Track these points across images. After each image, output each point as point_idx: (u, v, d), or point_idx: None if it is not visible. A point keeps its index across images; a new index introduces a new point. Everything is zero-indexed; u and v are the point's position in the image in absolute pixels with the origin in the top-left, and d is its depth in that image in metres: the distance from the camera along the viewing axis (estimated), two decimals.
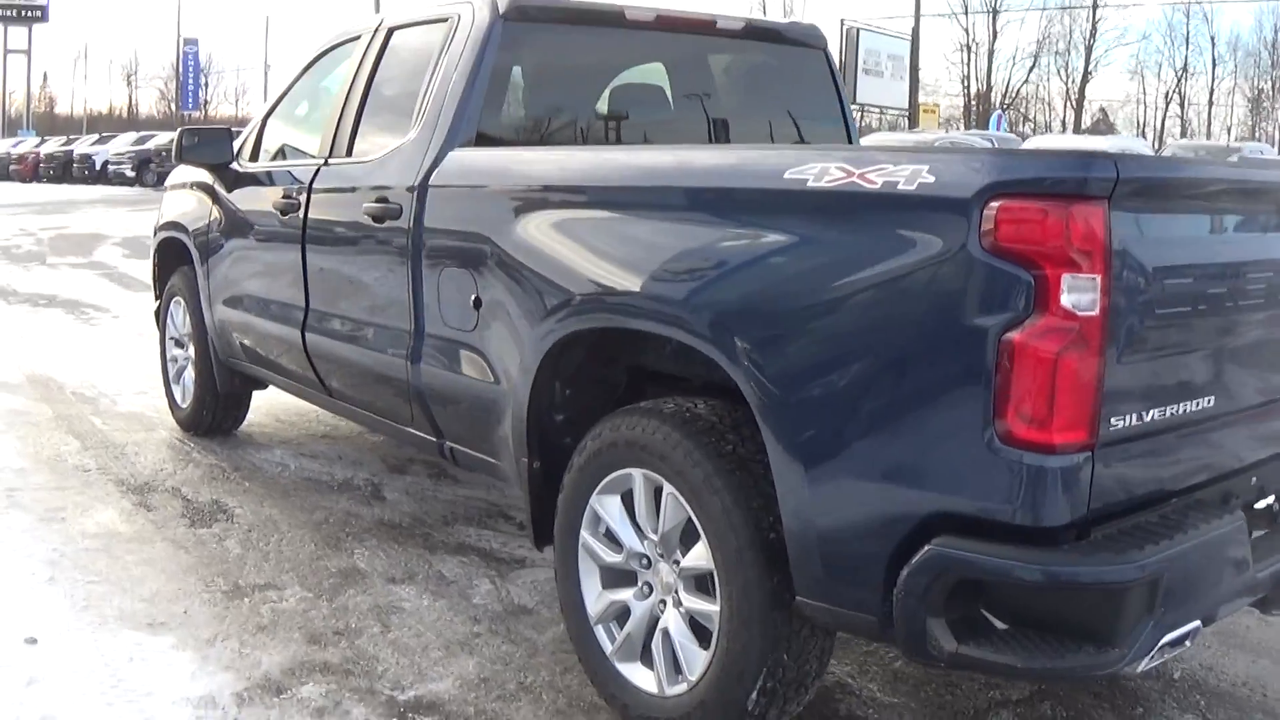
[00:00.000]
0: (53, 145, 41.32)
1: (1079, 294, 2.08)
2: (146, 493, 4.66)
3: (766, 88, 4.51)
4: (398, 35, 4.17)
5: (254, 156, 4.89)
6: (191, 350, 5.43)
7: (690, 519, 2.68)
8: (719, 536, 2.58)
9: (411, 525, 4.40)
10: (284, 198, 4.35)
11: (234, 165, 4.89)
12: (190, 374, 5.49)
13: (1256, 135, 49.77)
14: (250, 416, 5.68)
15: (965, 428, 2.16)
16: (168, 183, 5.81)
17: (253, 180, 4.79)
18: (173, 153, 4.91)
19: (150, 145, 35.33)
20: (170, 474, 4.94)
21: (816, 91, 4.51)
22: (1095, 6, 51.93)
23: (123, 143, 37.58)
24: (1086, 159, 2.11)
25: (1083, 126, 53.48)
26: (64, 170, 37.56)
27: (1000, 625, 2.27)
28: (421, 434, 3.78)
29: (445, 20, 3.84)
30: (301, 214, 4.23)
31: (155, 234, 5.78)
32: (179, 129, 4.92)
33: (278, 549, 4.09)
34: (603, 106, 4.05)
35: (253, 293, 4.70)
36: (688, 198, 2.77)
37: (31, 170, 38.77)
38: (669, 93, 4.24)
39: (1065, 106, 55.88)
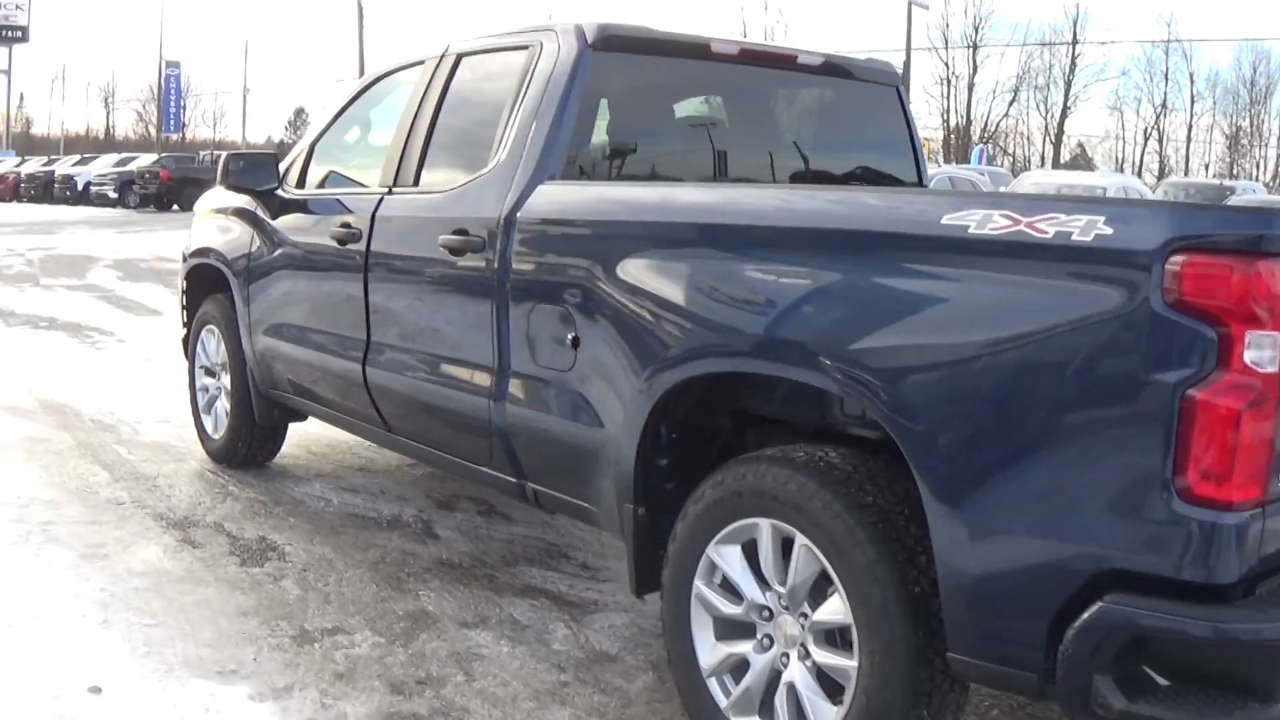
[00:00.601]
0: (33, 165, 40.93)
1: (1260, 350, 2.04)
2: (188, 528, 4.46)
3: (842, 123, 4.42)
4: (467, 63, 4.02)
5: (300, 183, 4.72)
6: (225, 380, 5.24)
7: (824, 571, 2.56)
8: (861, 590, 2.47)
9: (472, 565, 4.22)
10: (342, 227, 4.19)
11: (279, 191, 4.72)
12: (223, 404, 5.30)
13: (1235, 173, 50.28)
14: (282, 448, 5.48)
15: (1140, 484, 2.10)
16: (198, 208, 5.63)
17: (301, 208, 4.63)
18: (218, 177, 4.73)
19: (132, 167, 35.05)
20: (209, 508, 4.74)
21: (889, 128, 4.42)
22: (1075, 42, 52.52)
23: (104, 164, 37.27)
24: (1267, 215, 2.07)
25: (1061, 161, 53.93)
26: (45, 190, 37.16)
27: (1162, 681, 2.20)
28: (500, 474, 3.61)
29: (525, 49, 3.71)
30: (363, 245, 4.07)
31: (185, 260, 5.59)
32: (225, 153, 4.76)
33: (338, 590, 3.90)
34: (688, 140, 3.93)
35: (301, 323, 4.53)
36: (830, 241, 2.63)
37: (12, 190, 38.33)
38: (751, 127, 4.13)
39: (1044, 141, 56.37)
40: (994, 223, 2.26)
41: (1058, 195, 3.65)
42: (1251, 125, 54.03)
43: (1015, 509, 2.25)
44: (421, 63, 4.23)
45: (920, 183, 4.42)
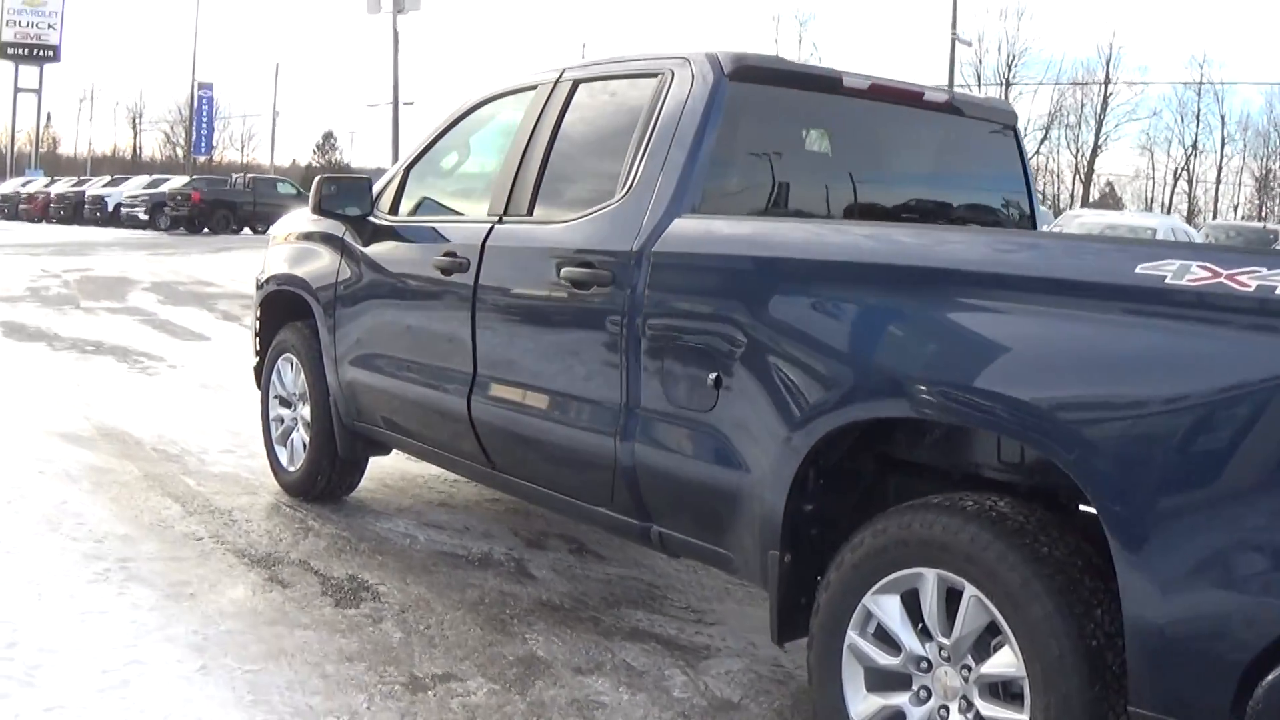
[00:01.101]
0: (63, 185, 41.09)
1: None
2: (273, 566, 4.28)
3: (962, 161, 4.27)
4: (585, 89, 3.88)
5: (394, 209, 4.56)
6: (304, 411, 5.07)
7: (992, 623, 2.46)
8: (1036, 643, 2.37)
9: (574, 607, 4.02)
10: (446, 256, 4.02)
11: (371, 218, 4.57)
12: (300, 436, 5.13)
13: (1264, 215, 50.00)
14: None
15: None
16: (275, 233, 5.48)
17: (397, 235, 4.47)
18: (311, 203, 4.56)
19: (164, 189, 35.15)
20: (291, 545, 4.55)
21: (1005, 167, 4.28)
22: (1107, 82, 52.45)
23: (135, 185, 37.38)
24: None
25: (1090, 200, 53.74)
26: (75, 211, 37.31)
27: None
28: (621, 516, 3.42)
29: (654, 76, 3.57)
30: (471, 275, 3.90)
31: (261, 287, 5.42)
32: (317, 178, 4.58)
33: (441, 633, 3.70)
34: (816, 174, 3.78)
35: (396, 354, 4.36)
36: (1016, 286, 2.50)
37: (41, 210, 38.52)
38: (876, 163, 3.97)
39: (1074, 179, 56.22)
40: (1192, 274, 2.19)
41: (1254, 249, 3.48)
42: None
43: (1209, 560, 2.17)
44: (532, 88, 4.08)
45: (1033, 224, 4.28)
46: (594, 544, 4.76)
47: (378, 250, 4.50)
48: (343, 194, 4.51)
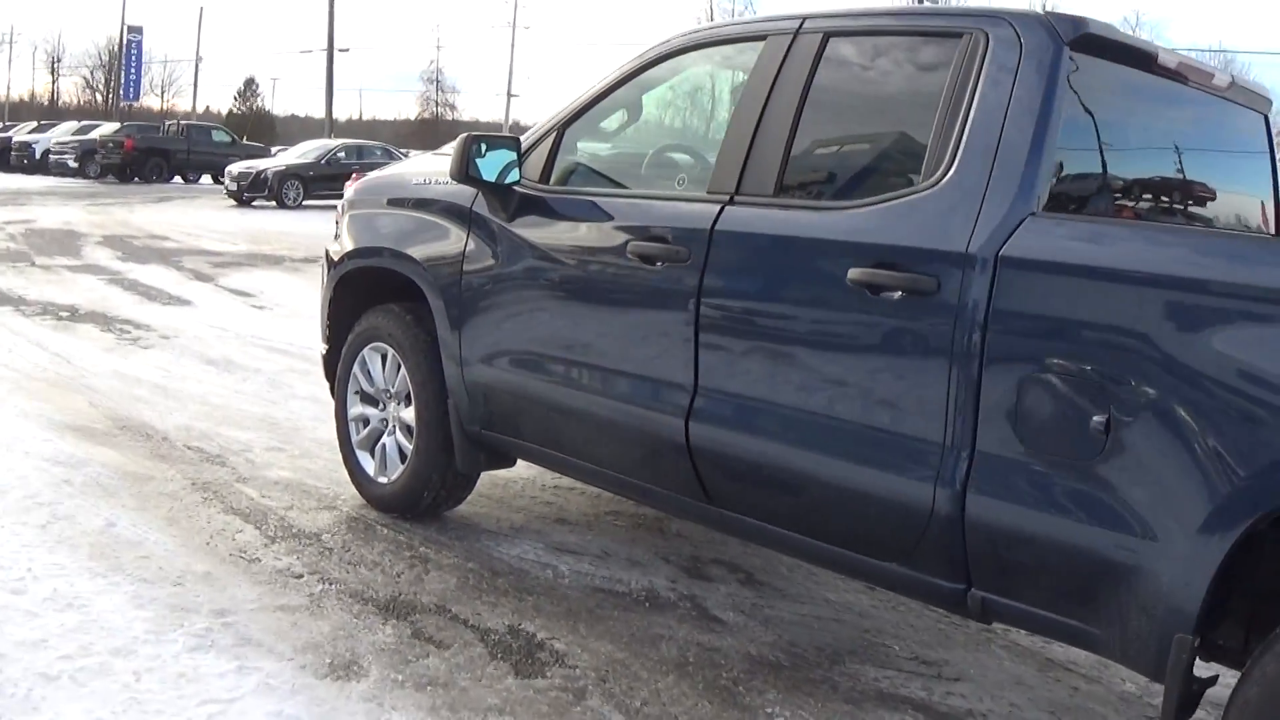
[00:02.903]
0: None
1: None
2: (409, 615, 3.46)
3: (1223, 147, 3.58)
4: (842, 46, 3.10)
5: (544, 178, 3.72)
6: (403, 413, 4.23)
7: None
8: None
9: (794, 664, 3.30)
10: (651, 241, 3.23)
11: (518, 187, 3.72)
12: (395, 441, 4.30)
13: None
14: None
15: None
16: (355, 197, 4.58)
17: (559, 210, 3.63)
18: (453, 166, 3.68)
19: (94, 135, 33.31)
20: (415, 583, 3.74)
21: (1258, 160, 3.60)
22: None
23: (63, 131, 35.42)
24: None
25: None
26: (1, 158, 35.27)
27: None
28: (924, 576, 2.68)
29: (955, 36, 2.82)
30: (693, 267, 3.11)
31: (336, 263, 4.53)
32: (464, 135, 3.69)
33: (666, 710, 2.95)
34: (1141, 167, 3.08)
35: (560, 355, 3.55)
36: None
37: None
38: (1184, 151, 3.26)
39: None
40: None
41: None
42: None
43: None
44: (757, 38, 3.27)
45: None
46: (759, 571, 4.05)
47: (531, 227, 3.67)
48: (493, 157, 3.65)
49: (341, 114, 46.10)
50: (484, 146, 3.61)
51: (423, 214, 4.08)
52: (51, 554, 3.75)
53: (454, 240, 3.91)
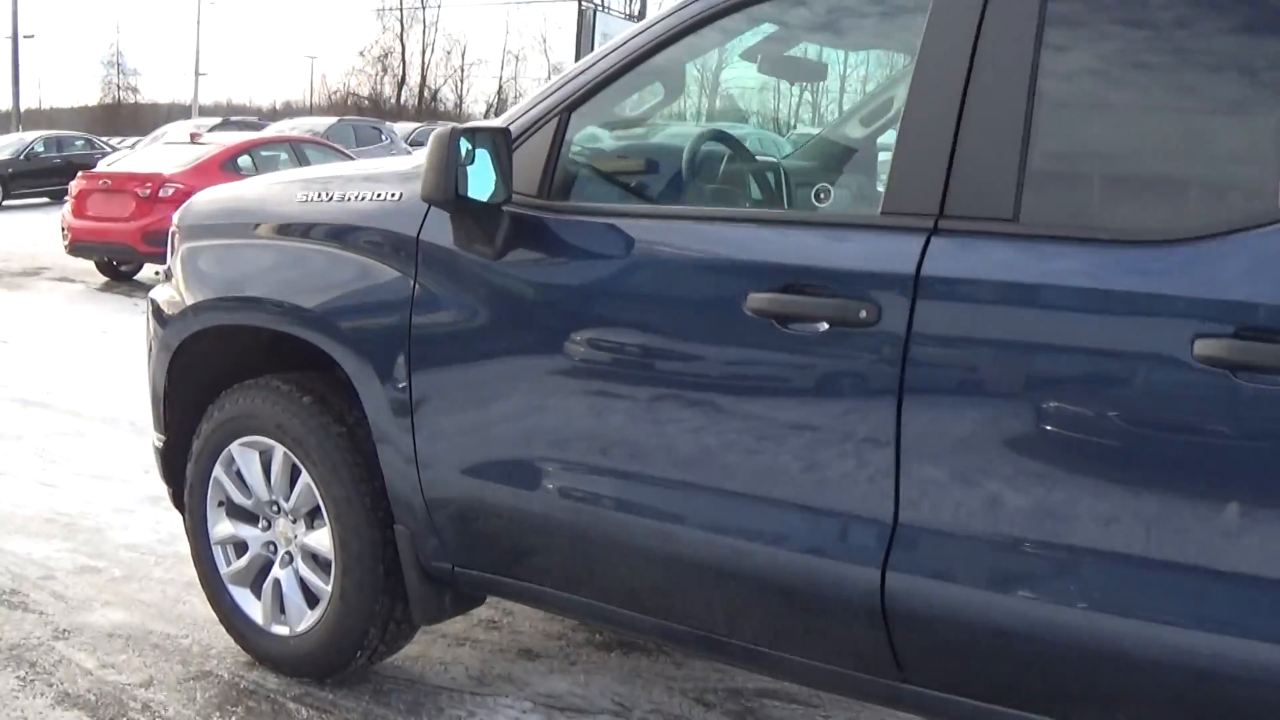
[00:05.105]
0: None
1: None
2: None
3: None
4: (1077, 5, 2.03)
5: (545, 190, 2.50)
6: (307, 537, 2.95)
7: None
8: None
9: None
10: (802, 292, 2.12)
11: (509, 206, 2.48)
12: (295, 576, 3.01)
13: None
14: None
15: None
16: (197, 219, 3.19)
17: (592, 240, 2.44)
18: (428, 183, 2.36)
19: None
20: None
21: None
22: None
23: None
24: None
25: None
26: None
27: None
28: None
29: None
30: (893, 335, 2.03)
31: (174, 318, 3.15)
32: (448, 129, 2.36)
33: None
34: None
35: (631, 468, 2.37)
36: None
37: None
38: None
39: None
40: None
41: None
42: None
43: None
44: None
45: None
46: (829, 704, 3.03)
47: (543, 265, 2.48)
48: (481, 161, 2.37)
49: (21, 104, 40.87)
50: (471, 141, 2.35)
51: (330, 246, 2.79)
52: None
53: (390, 284, 2.66)
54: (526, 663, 3.25)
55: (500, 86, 58.57)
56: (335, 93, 59.43)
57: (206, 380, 3.18)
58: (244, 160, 11.48)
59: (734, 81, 2.78)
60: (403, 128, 27.72)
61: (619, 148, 2.77)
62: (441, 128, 2.37)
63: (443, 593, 2.79)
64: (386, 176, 2.78)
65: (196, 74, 44.17)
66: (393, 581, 2.81)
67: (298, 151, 12.16)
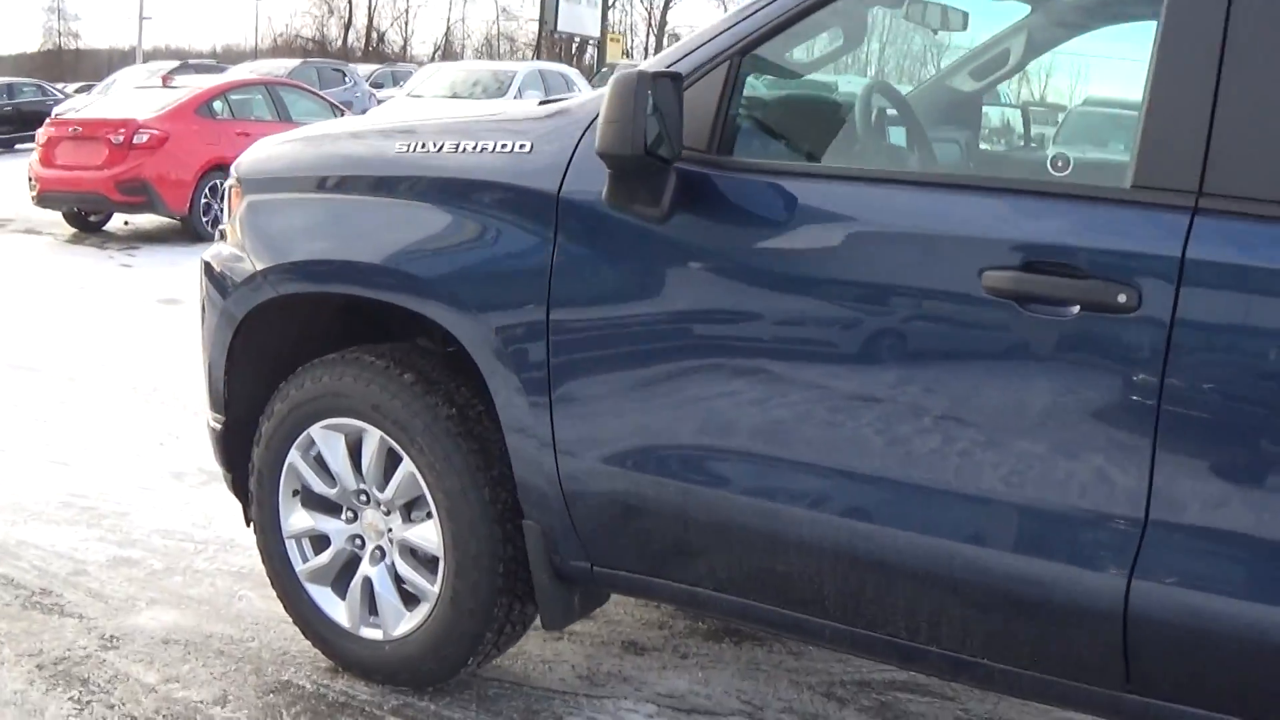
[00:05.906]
0: None
1: None
2: None
3: None
4: None
5: (718, 146, 2.15)
6: (406, 532, 2.62)
7: None
8: None
9: None
10: (1047, 271, 1.84)
11: (680, 163, 2.12)
12: (389, 573, 2.68)
13: None
14: None
15: None
16: (266, 171, 2.81)
17: (781, 203, 2.11)
18: (606, 135, 1.99)
19: None
20: None
21: None
22: None
23: None
24: None
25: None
26: None
27: None
28: None
29: None
30: (1156, 322, 1.78)
31: (240, 284, 2.77)
32: (631, 72, 1.97)
33: None
34: None
35: (798, 459, 2.08)
36: None
37: None
38: None
39: (648, 33, 55.13)
40: None
41: None
42: None
43: None
44: None
45: None
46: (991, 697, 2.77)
47: (711, 229, 2.14)
48: (647, 110, 2.00)
49: None
50: (653, 87, 1.99)
51: (444, 204, 2.43)
52: None
53: (524, 248, 2.32)
54: (635, 658, 2.96)
55: (449, 28, 57.33)
56: (280, 35, 57.85)
57: (278, 356, 2.82)
58: (218, 104, 10.93)
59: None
60: (362, 69, 26.94)
61: (801, 97, 2.43)
62: (623, 71, 2.00)
63: (573, 593, 2.47)
64: (513, 124, 2.43)
65: (141, 18, 42.62)
66: (513, 582, 2.50)
67: (273, 94, 11.61)
